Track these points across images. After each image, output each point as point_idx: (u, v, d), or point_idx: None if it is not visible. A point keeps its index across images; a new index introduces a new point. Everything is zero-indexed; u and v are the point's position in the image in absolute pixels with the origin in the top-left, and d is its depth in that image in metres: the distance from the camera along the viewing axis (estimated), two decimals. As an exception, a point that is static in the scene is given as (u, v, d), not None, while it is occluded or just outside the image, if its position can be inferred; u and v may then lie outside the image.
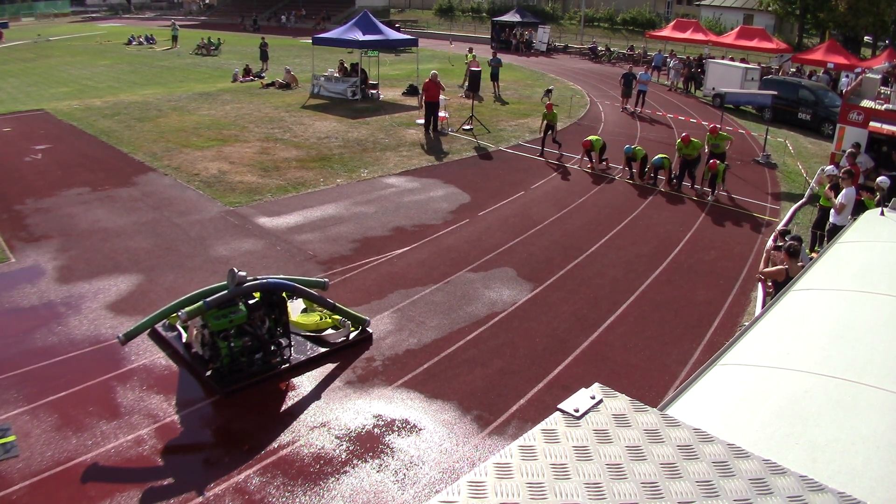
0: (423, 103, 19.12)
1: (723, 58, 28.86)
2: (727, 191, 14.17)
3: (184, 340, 7.53)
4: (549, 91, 23.99)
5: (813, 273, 3.83)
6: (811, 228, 11.34)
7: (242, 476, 5.73)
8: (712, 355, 3.04)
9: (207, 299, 6.76)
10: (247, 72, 27.32)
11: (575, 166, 15.63)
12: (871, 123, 13.17)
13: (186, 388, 6.93)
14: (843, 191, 9.84)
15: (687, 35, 33.61)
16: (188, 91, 24.20)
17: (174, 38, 39.11)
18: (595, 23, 49.43)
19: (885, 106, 13.35)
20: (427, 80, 18.36)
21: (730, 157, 14.96)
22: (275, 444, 6.14)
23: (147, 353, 7.48)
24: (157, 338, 7.73)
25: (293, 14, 56.59)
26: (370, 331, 8.00)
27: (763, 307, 6.19)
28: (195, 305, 6.77)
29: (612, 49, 40.17)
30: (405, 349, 7.76)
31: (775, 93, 19.37)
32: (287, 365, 7.28)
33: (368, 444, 6.14)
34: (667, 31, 35.34)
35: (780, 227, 11.80)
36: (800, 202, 13.39)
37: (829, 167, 11.26)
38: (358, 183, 13.96)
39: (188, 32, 43.54)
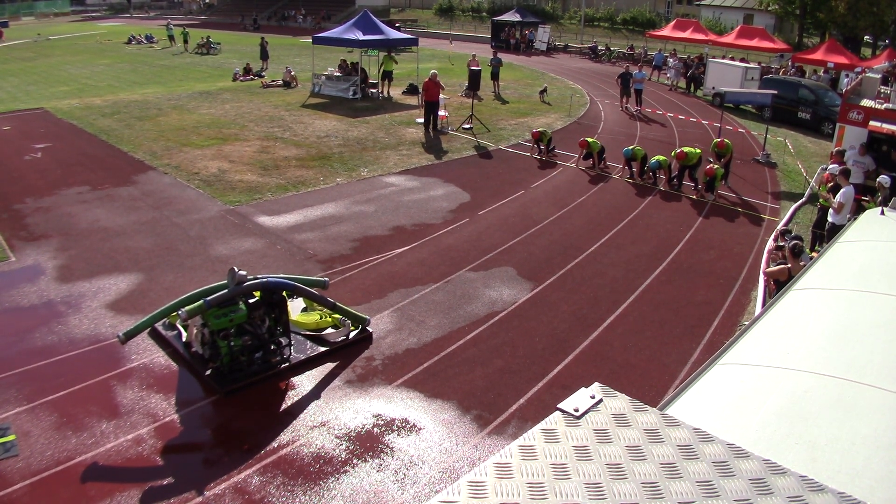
0: (422, 102, 19.13)
1: (723, 57, 28.84)
2: (730, 187, 14.23)
3: (184, 339, 7.53)
4: (543, 90, 24.15)
5: (813, 273, 3.83)
6: (811, 228, 11.34)
7: (242, 475, 5.73)
8: (712, 355, 3.04)
9: (207, 298, 6.76)
10: (247, 71, 27.32)
11: (572, 165, 15.62)
12: (871, 123, 13.15)
13: (186, 387, 6.93)
14: (842, 190, 9.85)
15: (687, 35, 33.60)
16: (188, 90, 24.19)
17: (170, 38, 39.28)
18: (595, 22, 49.38)
19: (884, 105, 13.33)
20: (427, 80, 18.36)
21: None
22: (274, 444, 6.14)
23: (147, 353, 7.48)
24: (156, 337, 7.73)
25: (309, 16, 55.90)
26: (370, 330, 8.00)
27: (763, 307, 6.19)
28: (195, 304, 6.77)
29: (612, 49, 40.15)
30: (405, 348, 7.76)
31: (775, 92, 19.36)
32: (287, 364, 7.28)
33: (368, 444, 6.14)
34: (667, 31, 35.32)
35: (780, 226, 11.80)
36: (800, 202, 13.39)
37: (833, 166, 11.25)
38: (358, 182, 13.96)
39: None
